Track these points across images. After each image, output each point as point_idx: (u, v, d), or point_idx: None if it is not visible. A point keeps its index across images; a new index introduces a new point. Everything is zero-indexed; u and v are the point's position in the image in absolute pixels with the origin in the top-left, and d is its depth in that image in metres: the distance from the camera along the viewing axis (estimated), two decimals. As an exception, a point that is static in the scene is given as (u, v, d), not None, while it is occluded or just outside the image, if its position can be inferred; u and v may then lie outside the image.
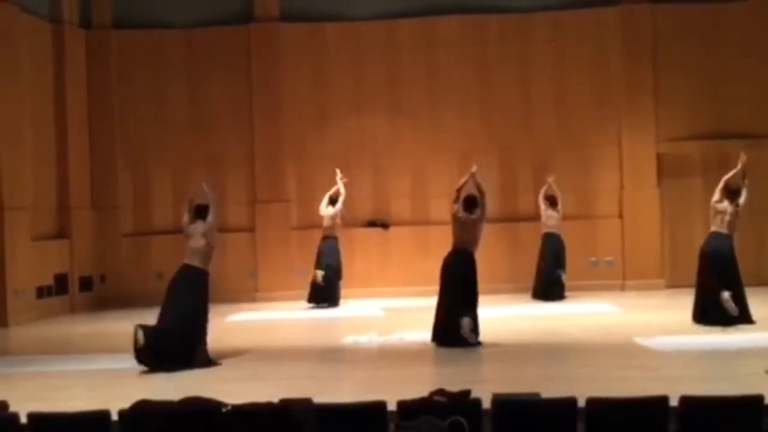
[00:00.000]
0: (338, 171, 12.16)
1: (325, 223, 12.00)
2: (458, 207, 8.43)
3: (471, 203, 8.42)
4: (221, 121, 13.50)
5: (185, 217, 7.95)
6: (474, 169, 8.63)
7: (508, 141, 13.29)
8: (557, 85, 13.27)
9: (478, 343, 8.15)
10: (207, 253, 7.74)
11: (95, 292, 13.15)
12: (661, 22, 13.02)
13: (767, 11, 12.89)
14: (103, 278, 13.27)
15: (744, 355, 7.50)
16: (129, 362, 7.93)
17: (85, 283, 13.01)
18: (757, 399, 4.64)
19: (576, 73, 13.23)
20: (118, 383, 7.00)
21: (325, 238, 11.99)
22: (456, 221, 8.44)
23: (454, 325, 8.16)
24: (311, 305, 11.81)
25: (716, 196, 9.34)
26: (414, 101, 13.36)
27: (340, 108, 13.43)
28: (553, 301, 11.68)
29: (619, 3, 13.13)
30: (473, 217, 8.39)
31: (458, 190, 8.58)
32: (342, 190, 12.03)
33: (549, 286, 11.82)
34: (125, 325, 10.74)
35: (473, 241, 8.41)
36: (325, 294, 11.80)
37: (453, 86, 13.29)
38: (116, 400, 5.26)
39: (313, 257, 12.16)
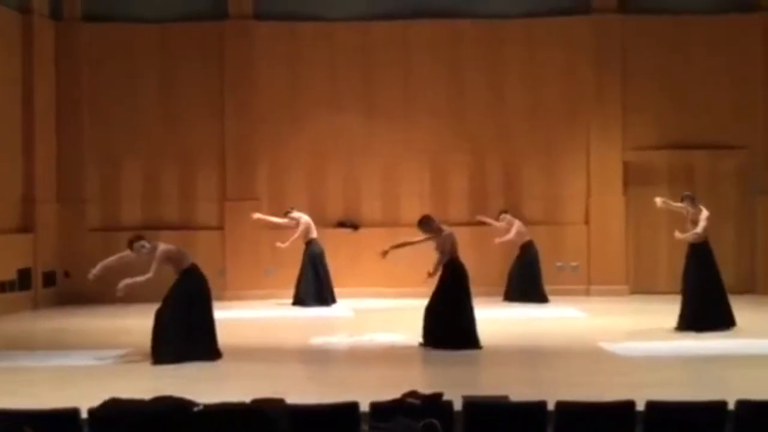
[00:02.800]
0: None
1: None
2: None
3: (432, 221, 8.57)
4: (193, 117, 13.40)
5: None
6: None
7: (479, 144, 13.41)
8: (528, 90, 13.43)
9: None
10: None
11: (59, 288, 12.95)
12: (631, 32, 13.25)
13: (734, 23, 13.18)
14: (67, 274, 13.06)
15: (709, 361, 7.67)
16: (95, 359, 7.87)
17: (49, 279, 12.82)
18: (721, 404, 4.77)
19: (546, 80, 13.39)
20: (86, 380, 6.92)
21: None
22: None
23: (468, 324, 8.25)
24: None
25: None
26: (388, 102, 13.41)
27: (313, 107, 13.42)
28: (538, 302, 11.98)
29: (590, 12, 13.33)
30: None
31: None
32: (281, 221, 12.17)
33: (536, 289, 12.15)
34: (89, 322, 10.70)
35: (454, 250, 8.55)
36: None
37: (426, 88, 13.38)
38: (85, 398, 5.22)
39: (283, 256, 12.22)
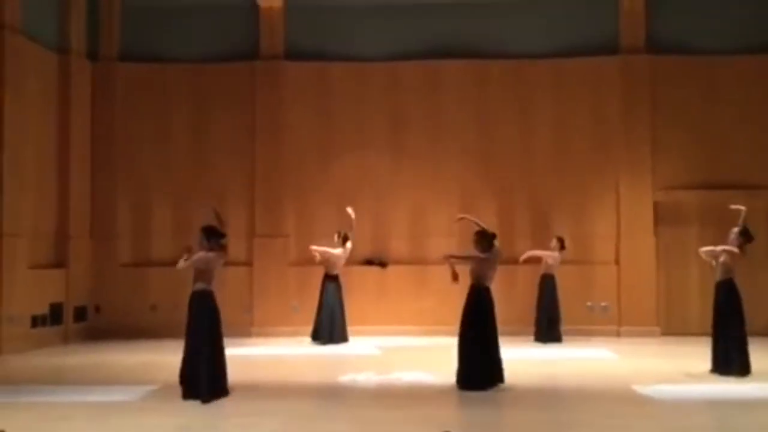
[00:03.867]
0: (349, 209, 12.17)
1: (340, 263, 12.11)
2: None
3: (486, 240, 8.45)
4: (223, 155, 13.59)
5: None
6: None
7: (507, 184, 13.42)
8: (557, 131, 13.45)
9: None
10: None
11: (89, 323, 13.08)
12: (659, 72, 13.27)
13: (761, 63, 13.16)
14: (97, 308, 13.21)
15: (741, 406, 7.51)
16: (125, 394, 7.90)
17: (80, 313, 12.95)
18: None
19: (575, 120, 13.42)
20: (119, 416, 6.95)
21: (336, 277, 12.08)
22: (480, 259, 8.45)
23: (494, 360, 8.18)
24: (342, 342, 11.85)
25: (733, 244, 9.27)
26: (416, 142, 13.51)
27: (342, 146, 13.56)
28: (554, 343, 11.85)
29: (618, 52, 13.38)
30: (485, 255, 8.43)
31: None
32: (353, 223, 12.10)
33: (554, 327, 12.06)
34: (120, 357, 10.76)
35: (491, 277, 8.46)
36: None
37: (454, 128, 13.47)
38: (118, 434, 5.23)
39: (310, 293, 12.26)
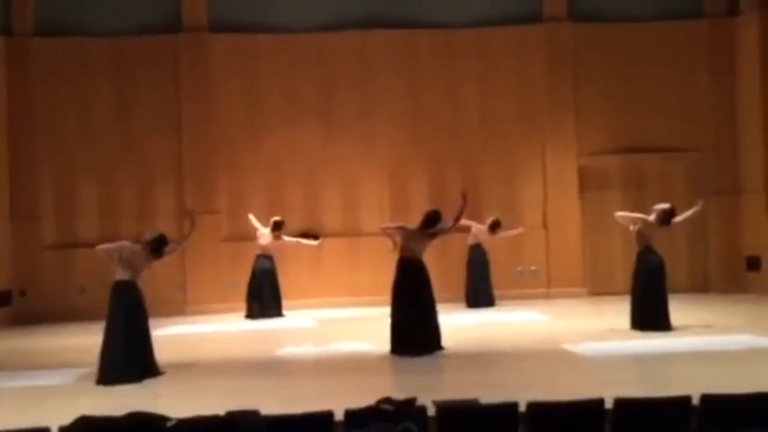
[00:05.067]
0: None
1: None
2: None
3: (434, 220, 8.64)
4: (149, 131, 13.26)
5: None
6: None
7: (437, 153, 13.56)
8: (484, 99, 13.63)
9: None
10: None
11: (14, 307, 12.67)
12: (582, 40, 13.57)
13: (681, 29, 13.59)
14: (23, 293, 12.79)
15: (664, 359, 7.88)
16: (58, 378, 7.73)
17: (4, 298, 12.53)
18: (686, 399, 4.93)
19: (501, 88, 13.62)
20: (52, 400, 6.80)
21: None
22: (408, 233, 8.61)
23: (425, 328, 8.34)
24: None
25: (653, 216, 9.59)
26: (346, 113, 13.47)
27: (271, 119, 13.41)
28: (488, 307, 12.14)
29: (541, 21, 13.61)
30: (429, 231, 8.58)
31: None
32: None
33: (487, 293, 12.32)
34: (47, 341, 10.49)
35: (422, 251, 8.61)
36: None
37: (384, 99, 13.48)
38: (54, 417, 5.14)
39: (243, 269, 12.17)
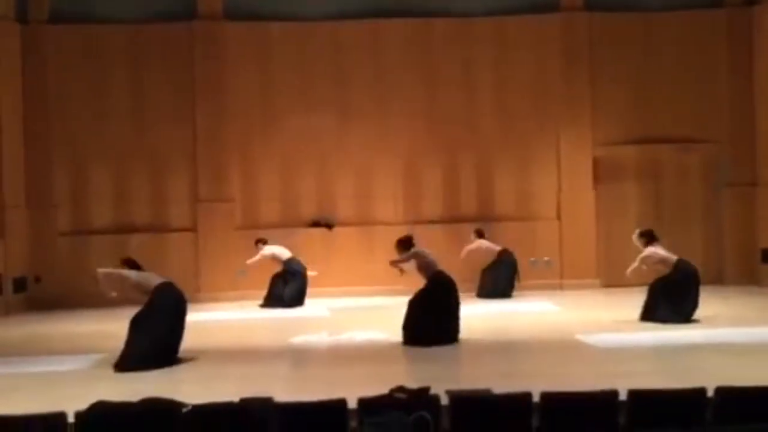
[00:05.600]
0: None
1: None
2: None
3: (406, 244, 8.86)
4: (162, 119, 13.29)
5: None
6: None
7: (451, 143, 13.51)
8: (499, 88, 13.56)
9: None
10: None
11: (29, 293, 12.77)
12: (598, 29, 13.45)
13: (698, 19, 13.46)
14: (38, 279, 12.89)
15: (679, 351, 7.85)
16: (75, 363, 7.80)
17: (19, 284, 12.63)
18: (701, 391, 4.90)
19: (517, 78, 13.54)
20: (68, 385, 6.86)
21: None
22: (424, 253, 8.87)
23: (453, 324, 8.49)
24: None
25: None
26: (360, 102, 13.45)
27: (285, 107, 13.41)
28: (503, 298, 12.12)
29: (558, 10, 13.51)
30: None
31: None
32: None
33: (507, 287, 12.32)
34: (62, 327, 10.57)
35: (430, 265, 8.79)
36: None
37: (398, 88, 13.43)
38: (70, 402, 5.18)
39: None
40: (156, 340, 7.55)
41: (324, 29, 13.39)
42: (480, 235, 12.59)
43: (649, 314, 9.36)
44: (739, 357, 7.34)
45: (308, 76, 13.43)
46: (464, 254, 12.31)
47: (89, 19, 13.22)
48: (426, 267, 8.69)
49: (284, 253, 12.13)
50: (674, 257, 9.47)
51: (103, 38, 13.21)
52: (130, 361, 7.44)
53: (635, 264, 9.56)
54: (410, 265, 8.86)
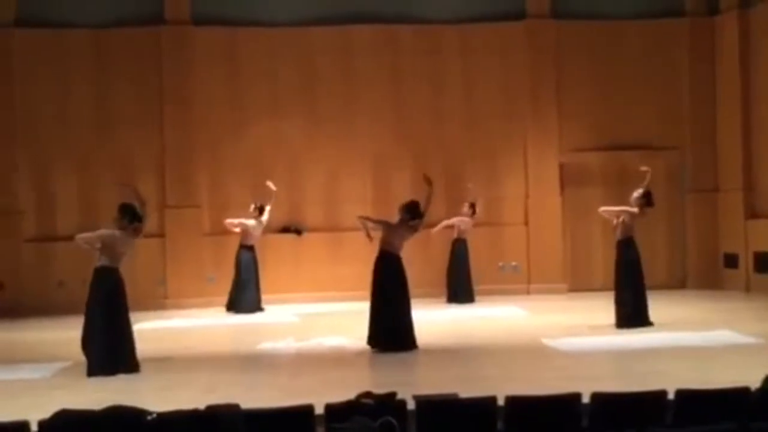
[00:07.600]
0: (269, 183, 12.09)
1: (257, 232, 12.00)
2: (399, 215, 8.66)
3: (413, 210, 8.57)
4: (130, 125, 13.18)
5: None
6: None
7: (420, 149, 13.59)
8: (466, 95, 13.68)
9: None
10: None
11: (-7, 301, 12.56)
12: (564, 37, 13.64)
13: (662, 28, 13.70)
14: (1, 286, 12.68)
15: (641, 355, 7.97)
16: (35, 372, 7.69)
17: (-17, 292, 12.42)
18: (661, 394, 4.99)
19: (484, 85, 13.67)
20: (30, 394, 6.76)
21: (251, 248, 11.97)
22: (390, 228, 8.61)
23: (399, 325, 8.32)
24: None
25: (634, 205, 9.66)
26: (328, 108, 13.46)
27: (253, 113, 13.37)
28: (468, 303, 12.14)
29: (524, 17, 13.67)
30: (411, 223, 8.56)
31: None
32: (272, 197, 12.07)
33: (467, 290, 12.31)
34: (26, 335, 10.41)
35: (401, 247, 8.60)
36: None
37: (366, 94, 13.49)
38: (32, 411, 5.11)
39: (226, 263, 12.14)
40: (105, 333, 7.44)
41: (292, 35, 13.39)
42: (473, 211, 12.50)
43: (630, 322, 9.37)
44: (703, 361, 7.47)
45: (276, 82, 13.42)
46: (439, 228, 12.30)
47: (55, 23, 13.07)
48: (386, 242, 8.50)
49: (254, 238, 12.02)
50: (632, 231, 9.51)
51: (70, 43, 13.07)
52: (92, 364, 7.37)
53: (615, 208, 9.58)
54: (377, 233, 8.66)
